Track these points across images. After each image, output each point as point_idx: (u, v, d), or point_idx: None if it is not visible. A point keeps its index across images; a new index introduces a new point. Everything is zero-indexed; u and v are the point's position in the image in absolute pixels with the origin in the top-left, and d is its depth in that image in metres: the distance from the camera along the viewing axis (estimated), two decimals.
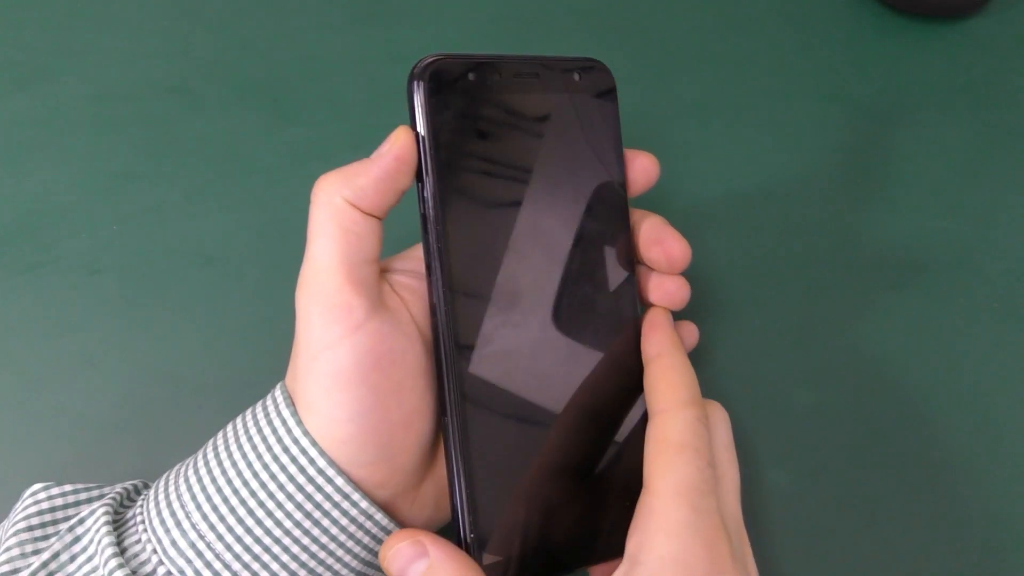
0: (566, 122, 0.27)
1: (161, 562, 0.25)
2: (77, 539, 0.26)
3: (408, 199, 0.26)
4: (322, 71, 0.40)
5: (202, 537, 0.25)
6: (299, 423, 0.26)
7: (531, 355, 0.26)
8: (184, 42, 0.41)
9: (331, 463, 0.26)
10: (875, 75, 0.43)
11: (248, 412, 0.28)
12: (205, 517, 0.25)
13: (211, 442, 0.28)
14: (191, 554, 0.25)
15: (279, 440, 0.26)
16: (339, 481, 0.26)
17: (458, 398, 0.25)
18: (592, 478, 0.26)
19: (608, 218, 0.28)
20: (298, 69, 0.40)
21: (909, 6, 0.44)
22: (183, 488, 0.26)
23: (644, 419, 0.27)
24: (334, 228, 0.25)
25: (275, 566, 0.25)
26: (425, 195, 0.25)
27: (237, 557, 0.25)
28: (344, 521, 0.26)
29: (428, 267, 0.25)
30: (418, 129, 0.24)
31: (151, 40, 0.40)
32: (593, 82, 0.27)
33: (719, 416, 0.28)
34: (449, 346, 0.25)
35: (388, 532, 0.27)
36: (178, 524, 0.26)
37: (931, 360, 0.37)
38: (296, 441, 0.26)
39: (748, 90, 0.42)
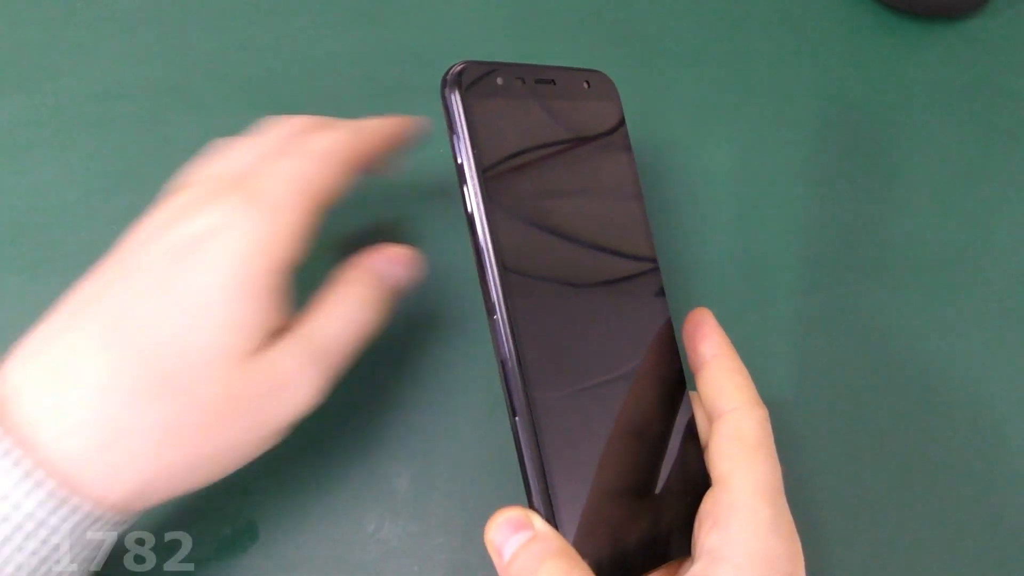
0: (584, 125, 0.29)
1: None
2: None
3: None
4: (322, 71, 0.40)
5: None
6: None
7: (589, 355, 0.27)
8: (183, 42, 0.41)
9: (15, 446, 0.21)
10: (874, 75, 0.43)
11: None
12: None
13: None
14: None
15: None
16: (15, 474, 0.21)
17: (527, 401, 0.25)
18: (650, 483, 0.27)
19: (632, 217, 0.29)
20: (298, 69, 0.40)
21: (908, 6, 0.44)
22: None
23: (687, 419, 0.28)
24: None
25: None
26: (471, 193, 0.26)
27: None
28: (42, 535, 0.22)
29: (480, 267, 0.26)
30: (457, 132, 0.26)
31: (151, 39, 0.40)
32: (601, 90, 0.30)
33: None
34: (512, 347, 0.25)
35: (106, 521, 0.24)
36: None
37: (931, 360, 0.37)
38: None
39: (748, 90, 0.42)
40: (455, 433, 0.34)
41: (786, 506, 0.25)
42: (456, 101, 0.26)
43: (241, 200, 0.25)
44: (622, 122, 0.30)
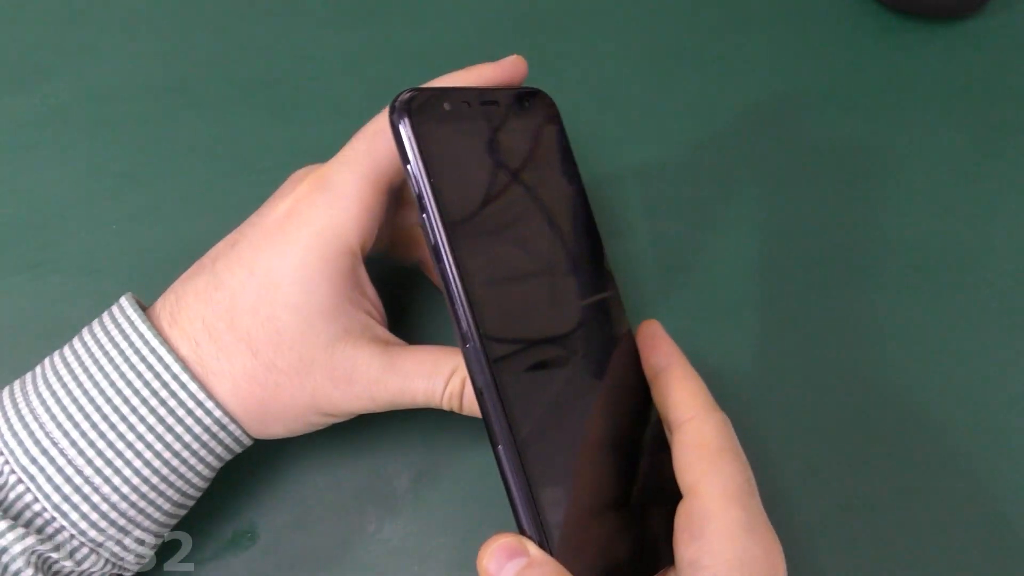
0: (530, 143, 0.29)
1: (13, 471, 0.26)
2: None
3: None
4: (322, 71, 0.40)
5: (55, 444, 0.26)
6: (156, 334, 0.27)
7: (563, 375, 0.26)
8: (183, 42, 0.41)
9: (185, 369, 0.26)
10: (874, 75, 0.43)
11: (90, 330, 0.28)
12: (59, 426, 0.26)
13: (54, 358, 0.28)
14: (43, 461, 0.26)
15: (132, 346, 0.27)
16: (192, 387, 0.26)
17: (509, 428, 0.25)
18: (633, 497, 0.27)
19: (585, 230, 0.29)
20: (298, 69, 0.40)
21: (908, 6, 0.44)
22: (33, 400, 0.27)
23: (658, 430, 0.28)
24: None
25: (127, 471, 0.26)
26: (432, 224, 0.25)
27: (89, 462, 0.26)
28: (198, 429, 0.27)
29: (449, 296, 0.25)
30: (413, 161, 0.25)
31: (150, 40, 0.40)
32: (540, 107, 0.30)
33: (725, 422, 0.28)
34: (489, 374, 0.25)
35: (241, 443, 0.29)
36: (31, 434, 0.26)
37: (931, 360, 0.37)
38: (153, 350, 0.27)
39: (748, 90, 0.42)
40: (455, 433, 0.34)
41: (759, 506, 0.25)
42: (408, 131, 0.25)
43: (308, 188, 0.28)
44: (565, 137, 0.30)
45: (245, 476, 0.33)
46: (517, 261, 0.27)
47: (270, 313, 0.27)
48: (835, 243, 0.39)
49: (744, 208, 0.39)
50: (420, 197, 0.25)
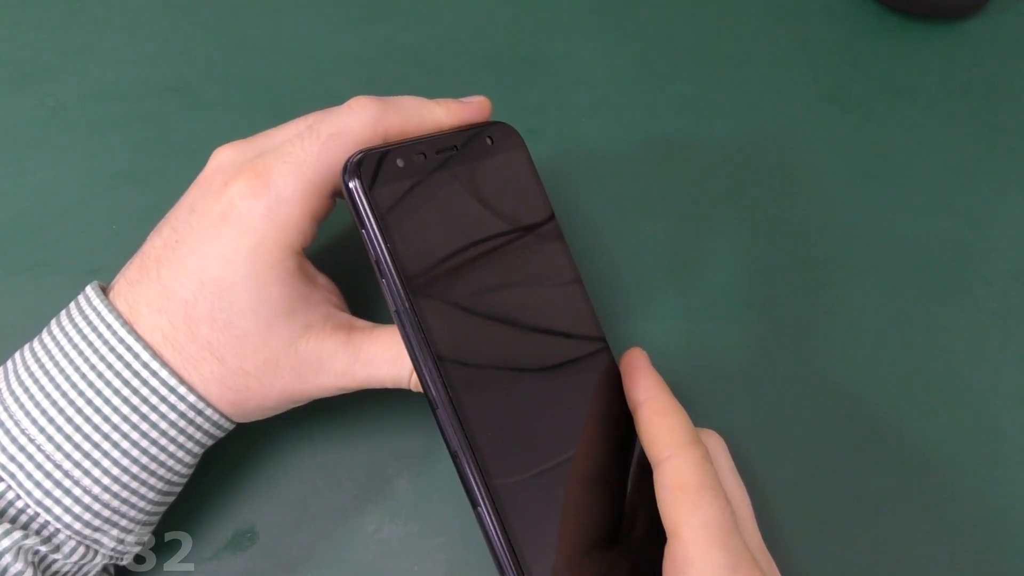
0: (496, 185, 0.28)
1: None
2: None
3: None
4: (322, 71, 0.40)
5: (32, 441, 0.26)
6: (124, 324, 0.27)
7: (541, 427, 0.26)
8: (184, 42, 0.41)
9: (155, 357, 0.26)
10: (874, 75, 0.43)
11: (58, 322, 0.28)
12: (35, 422, 0.26)
13: (24, 353, 0.28)
14: (21, 458, 0.26)
15: (100, 337, 0.27)
16: (163, 374, 0.26)
17: (486, 489, 0.24)
18: (620, 541, 0.26)
19: (558, 264, 0.28)
20: (298, 69, 0.40)
21: (908, 6, 0.44)
22: (7, 398, 0.27)
23: (647, 469, 0.27)
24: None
25: (106, 462, 0.26)
26: (393, 288, 0.25)
27: (67, 456, 0.26)
28: (173, 416, 0.27)
29: (415, 362, 0.25)
30: (367, 226, 0.25)
31: (151, 40, 0.40)
32: (504, 142, 0.29)
33: (716, 444, 0.28)
34: (463, 438, 0.24)
35: (222, 427, 0.29)
36: (7, 432, 0.26)
37: (931, 360, 0.37)
38: (121, 339, 0.26)
39: (747, 90, 0.42)
40: None
41: (742, 543, 0.25)
42: (360, 194, 0.25)
43: (246, 187, 0.27)
44: (533, 171, 0.29)
45: (245, 476, 0.33)
46: (487, 312, 0.26)
47: (227, 320, 0.27)
48: (834, 243, 0.39)
49: (742, 208, 0.39)
50: (378, 262, 0.25)
